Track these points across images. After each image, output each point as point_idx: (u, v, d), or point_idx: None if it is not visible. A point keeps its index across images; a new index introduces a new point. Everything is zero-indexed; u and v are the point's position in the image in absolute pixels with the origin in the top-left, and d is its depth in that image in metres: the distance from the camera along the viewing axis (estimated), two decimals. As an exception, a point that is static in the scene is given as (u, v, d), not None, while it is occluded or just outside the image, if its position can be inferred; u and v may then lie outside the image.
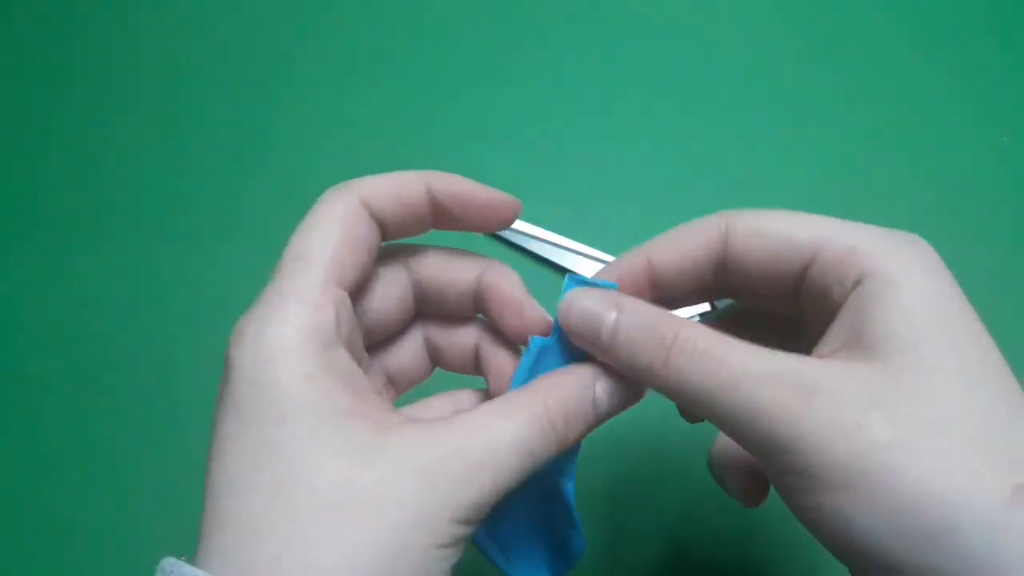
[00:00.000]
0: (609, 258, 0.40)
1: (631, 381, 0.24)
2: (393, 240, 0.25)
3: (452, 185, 0.25)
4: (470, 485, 0.20)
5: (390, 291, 0.26)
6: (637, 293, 0.25)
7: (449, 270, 0.27)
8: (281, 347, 0.20)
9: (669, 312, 0.23)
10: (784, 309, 0.25)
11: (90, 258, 0.43)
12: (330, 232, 0.23)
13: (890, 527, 0.18)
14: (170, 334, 0.41)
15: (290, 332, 0.21)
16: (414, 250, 0.27)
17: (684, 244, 0.25)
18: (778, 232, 0.23)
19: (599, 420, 0.24)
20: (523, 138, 0.46)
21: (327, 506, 0.19)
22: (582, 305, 0.23)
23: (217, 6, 0.51)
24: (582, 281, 0.24)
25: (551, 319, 0.25)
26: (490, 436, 0.21)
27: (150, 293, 0.42)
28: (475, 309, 0.27)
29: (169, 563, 0.19)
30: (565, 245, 0.40)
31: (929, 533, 0.18)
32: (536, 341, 0.25)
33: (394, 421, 0.21)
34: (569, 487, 0.26)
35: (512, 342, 0.27)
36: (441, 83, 0.47)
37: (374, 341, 0.27)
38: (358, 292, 0.24)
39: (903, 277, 0.21)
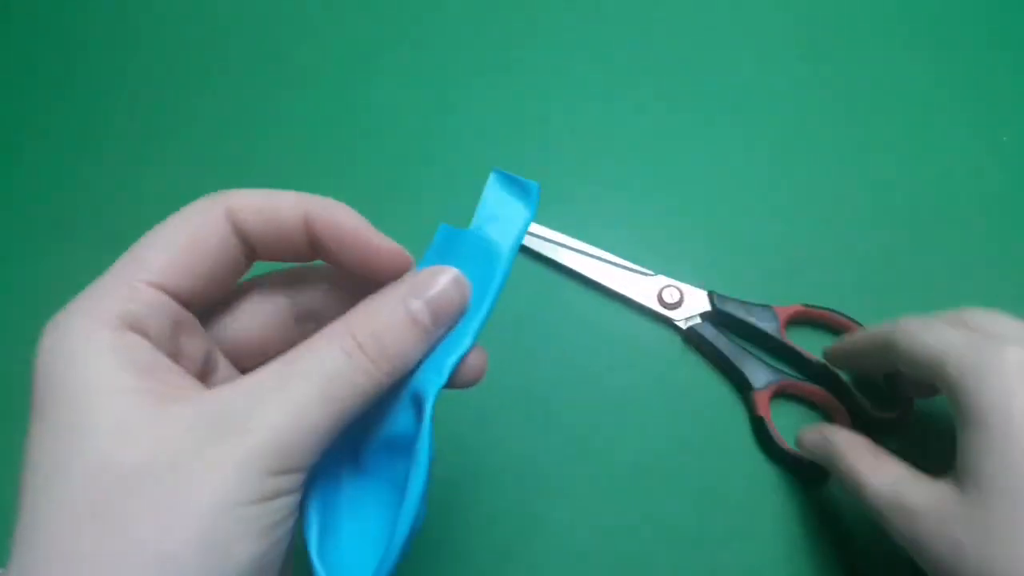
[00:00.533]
0: (609, 257, 0.40)
1: (450, 291, 0.23)
2: (271, 261, 0.24)
3: (335, 218, 0.23)
4: (261, 426, 0.18)
5: (258, 313, 0.24)
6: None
7: (331, 299, 0.25)
8: (68, 336, 0.20)
9: (849, 438, 0.31)
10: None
11: (90, 257, 0.43)
12: (173, 238, 0.22)
13: None
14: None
15: (80, 321, 0.20)
16: (300, 275, 0.25)
17: (860, 346, 0.34)
18: (908, 349, 0.29)
19: (427, 333, 0.22)
20: (522, 138, 0.46)
21: (101, 487, 0.18)
22: (812, 441, 0.33)
23: (216, 6, 0.51)
24: (506, 176, 0.25)
25: (405, 253, 0.24)
26: (280, 372, 0.20)
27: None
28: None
29: None
30: (567, 244, 0.40)
31: None
32: (445, 228, 0.24)
33: (186, 393, 0.20)
34: (424, 394, 0.22)
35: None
36: (441, 80, 0.48)
37: (245, 361, 0.25)
38: (204, 302, 0.23)
39: (993, 414, 0.25)
